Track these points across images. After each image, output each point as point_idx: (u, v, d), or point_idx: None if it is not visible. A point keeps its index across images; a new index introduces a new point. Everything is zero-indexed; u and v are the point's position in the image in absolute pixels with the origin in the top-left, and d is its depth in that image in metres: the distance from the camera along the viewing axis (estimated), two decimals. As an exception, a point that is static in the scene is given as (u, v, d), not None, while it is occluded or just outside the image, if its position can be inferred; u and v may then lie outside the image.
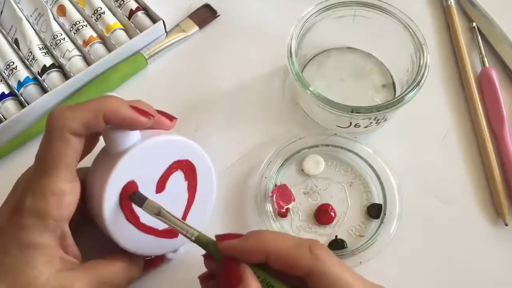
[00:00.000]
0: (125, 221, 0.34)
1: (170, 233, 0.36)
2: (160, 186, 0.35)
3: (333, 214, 0.41)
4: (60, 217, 0.31)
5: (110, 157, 0.34)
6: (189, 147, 0.36)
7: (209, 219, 0.37)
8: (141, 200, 0.33)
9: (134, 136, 0.34)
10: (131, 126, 0.32)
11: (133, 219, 0.34)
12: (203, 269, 0.37)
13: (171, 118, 0.36)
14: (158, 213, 0.32)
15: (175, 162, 0.35)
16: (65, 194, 0.31)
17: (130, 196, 0.33)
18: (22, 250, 0.30)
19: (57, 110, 0.32)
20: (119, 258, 0.34)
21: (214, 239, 0.31)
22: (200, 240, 0.31)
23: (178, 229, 0.32)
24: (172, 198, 0.35)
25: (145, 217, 0.35)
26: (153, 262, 0.38)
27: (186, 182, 0.36)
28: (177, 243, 0.37)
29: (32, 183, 0.31)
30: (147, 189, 0.35)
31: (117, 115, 0.31)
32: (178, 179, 0.36)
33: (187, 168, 0.36)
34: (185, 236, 0.32)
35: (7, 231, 0.31)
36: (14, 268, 0.30)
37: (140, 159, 0.34)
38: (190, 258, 0.39)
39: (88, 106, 0.32)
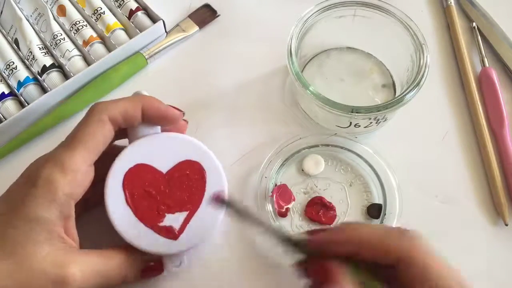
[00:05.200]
0: (124, 204, 0.35)
1: (168, 232, 0.36)
2: (167, 180, 0.35)
3: (333, 212, 0.41)
4: (70, 193, 0.32)
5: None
6: (202, 151, 0.37)
7: (220, 225, 0.37)
8: (226, 202, 0.33)
9: (153, 130, 0.36)
10: (166, 117, 0.36)
11: (132, 204, 0.35)
12: (205, 280, 0.38)
13: (177, 109, 0.38)
14: (242, 213, 0.32)
15: (184, 161, 0.36)
16: (81, 173, 0.32)
17: (218, 199, 0.34)
18: (26, 223, 0.31)
19: (101, 101, 0.35)
20: (117, 253, 0.34)
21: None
22: (292, 240, 0.31)
23: (268, 230, 0.31)
24: (177, 197, 0.36)
25: (145, 206, 0.35)
26: (152, 270, 0.37)
27: (193, 184, 0.36)
28: (175, 247, 0.36)
29: (53, 155, 0.32)
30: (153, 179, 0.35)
31: (153, 106, 0.35)
32: (185, 179, 0.36)
33: (196, 170, 0.36)
34: (271, 234, 0.31)
35: (15, 202, 0.31)
36: (16, 241, 0.30)
37: (151, 147, 0.36)
38: (193, 270, 0.39)
39: (129, 98, 0.36)
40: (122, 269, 0.34)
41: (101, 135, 0.33)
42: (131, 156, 0.35)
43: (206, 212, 0.36)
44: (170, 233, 0.36)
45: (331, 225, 0.30)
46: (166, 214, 0.36)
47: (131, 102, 0.35)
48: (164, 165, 0.36)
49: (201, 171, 0.36)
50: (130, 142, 0.36)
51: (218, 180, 0.36)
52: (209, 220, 0.36)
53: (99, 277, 0.33)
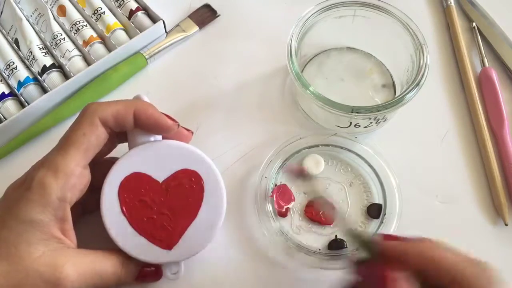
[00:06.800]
0: (120, 213, 0.35)
1: (163, 242, 0.35)
2: (163, 189, 0.35)
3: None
4: (63, 196, 0.32)
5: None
6: (200, 160, 0.36)
7: (217, 235, 0.36)
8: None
9: (153, 137, 0.36)
10: (158, 126, 0.35)
11: (127, 212, 0.35)
12: (205, 282, 0.38)
13: (187, 129, 0.38)
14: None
15: (182, 170, 0.35)
16: (74, 176, 0.32)
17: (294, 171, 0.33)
18: (20, 225, 0.31)
19: (93, 102, 0.34)
20: (113, 255, 0.34)
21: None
22: (359, 236, 0.30)
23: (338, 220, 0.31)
24: (173, 207, 0.36)
25: (140, 215, 0.35)
26: (148, 275, 0.36)
27: (190, 193, 0.36)
28: (169, 257, 0.35)
29: (47, 159, 0.32)
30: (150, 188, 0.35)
31: (146, 112, 0.34)
32: (182, 189, 0.36)
33: (194, 180, 0.36)
34: (343, 229, 0.31)
35: (10, 204, 0.31)
36: (9, 242, 0.30)
37: (149, 155, 0.35)
38: (193, 271, 0.39)
39: (121, 101, 0.35)
40: (118, 270, 0.34)
41: (93, 137, 0.33)
42: (127, 164, 0.35)
43: (203, 222, 0.35)
44: (165, 243, 0.35)
45: (407, 237, 0.29)
46: (161, 224, 0.35)
47: (123, 106, 0.34)
48: (161, 173, 0.35)
49: (198, 180, 0.36)
50: (130, 148, 0.36)
51: (216, 189, 0.36)
52: (206, 231, 0.35)
53: (94, 277, 0.33)
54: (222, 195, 0.36)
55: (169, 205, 0.35)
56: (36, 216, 0.31)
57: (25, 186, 0.32)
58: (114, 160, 0.36)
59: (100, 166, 0.36)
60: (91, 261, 0.33)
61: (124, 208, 0.35)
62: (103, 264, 0.33)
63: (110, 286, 0.34)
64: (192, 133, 0.38)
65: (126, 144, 0.37)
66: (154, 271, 0.36)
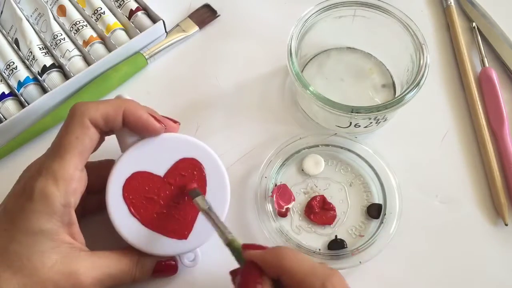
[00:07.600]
0: (129, 215, 0.35)
1: (178, 233, 0.35)
2: (167, 182, 0.35)
3: (333, 212, 0.41)
4: (67, 202, 0.32)
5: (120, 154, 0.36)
6: (195, 146, 0.36)
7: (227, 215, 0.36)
8: (195, 194, 0.34)
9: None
10: (145, 128, 0.35)
11: (137, 213, 0.35)
12: (205, 281, 0.38)
13: (174, 121, 0.38)
14: (205, 210, 0.33)
15: (180, 160, 0.36)
16: (74, 180, 0.32)
17: (189, 191, 0.35)
18: (29, 237, 0.31)
19: (81, 101, 0.34)
20: (127, 254, 0.34)
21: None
22: (232, 245, 0.31)
23: (216, 229, 0.32)
24: (180, 197, 0.36)
25: (149, 212, 0.35)
26: (164, 269, 0.37)
27: (193, 180, 0.36)
28: (186, 246, 0.36)
29: (44, 166, 0.32)
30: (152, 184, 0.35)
31: (134, 114, 0.34)
32: (184, 178, 0.36)
33: (194, 166, 0.36)
34: (221, 237, 0.32)
35: (14, 217, 0.31)
36: (21, 255, 0.30)
37: (144, 153, 0.35)
38: (194, 270, 0.39)
39: (110, 101, 0.34)
40: (132, 269, 0.34)
41: (87, 140, 0.33)
42: (126, 166, 0.35)
43: (212, 204, 0.35)
44: (180, 234, 0.35)
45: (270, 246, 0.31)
46: (172, 216, 0.35)
47: (112, 107, 0.34)
48: (160, 168, 0.36)
49: (198, 165, 0.36)
50: (120, 145, 0.36)
51: (216, 169, 0.36)
52: (217, 211, 0.35)
53: (108, 279, 0.33)
54: (222, 173, 0.36)
55: (176, 197, 0.36)
56: (44, 226, 0.31)
57: (26, 196, 0.31)
58: (104, 162, 0.36)
59: (92, 169, 0.36)
60: (104, 264, 0.33)
61: (132, 209, 0.35)
62: (116, 265, 0.33)
63: (126, 285, 0.34)
64: (179, 123, 0.38)
65: (115, 143, 0.37)
66: (169, 266, 0.37)
